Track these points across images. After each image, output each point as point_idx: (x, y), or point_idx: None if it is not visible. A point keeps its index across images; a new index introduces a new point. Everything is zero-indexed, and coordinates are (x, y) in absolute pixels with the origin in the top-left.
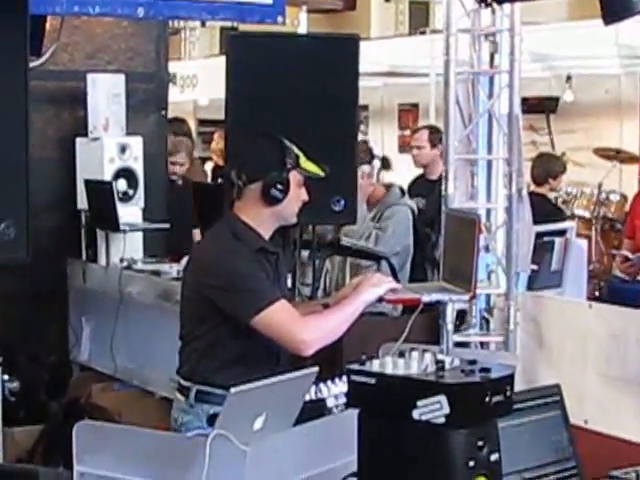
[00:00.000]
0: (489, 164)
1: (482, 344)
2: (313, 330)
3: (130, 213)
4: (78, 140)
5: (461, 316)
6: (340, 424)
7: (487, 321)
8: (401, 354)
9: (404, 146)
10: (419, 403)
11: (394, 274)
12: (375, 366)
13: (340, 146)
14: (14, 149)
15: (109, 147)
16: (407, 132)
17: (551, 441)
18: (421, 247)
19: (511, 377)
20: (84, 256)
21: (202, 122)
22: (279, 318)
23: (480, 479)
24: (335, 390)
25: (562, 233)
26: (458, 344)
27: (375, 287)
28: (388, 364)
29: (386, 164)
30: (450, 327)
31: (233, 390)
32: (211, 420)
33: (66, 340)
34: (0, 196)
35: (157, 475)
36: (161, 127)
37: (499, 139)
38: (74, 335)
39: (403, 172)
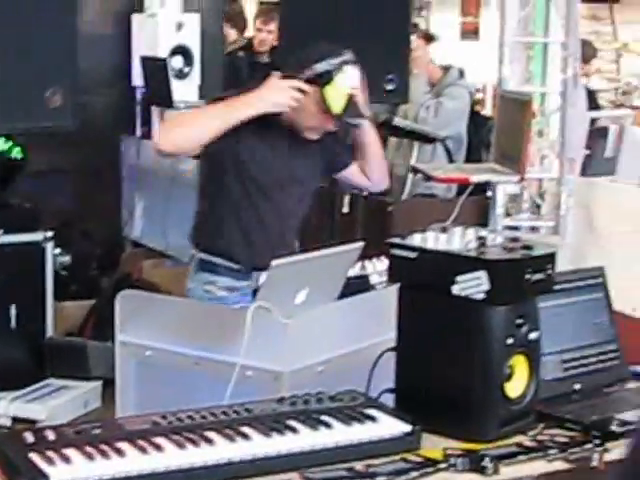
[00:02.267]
0: (545, 47)
1: (533, 229)
2: (167, 129)
3: (186, 90)
4: (134, 16)
5: (512, 201)
6: (382, 300)
7: (538, 206)
8: (444, 230)
9: (467, 33)
10: (459, 278)
11: (449, 156)
12: (416, 240)
13: (394, 24)
14: (63, 14)
15: (165, 24)
16: (469, 19)
17: (593, 323)
18: (477, 130)
19: (552, 256)
20: (139, 133)
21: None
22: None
23: (518, 357)
24: (380, 267)
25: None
26: (509, 228)
27: (278, 92)
28: (430, 239)
29: (428, 37)
30: (500, 210)
31: (275, 262)
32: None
33: (119, 216)
34: (48, 63)
35: (197, 345)
36: (217, 4)
37: (556, 22)
38: (127, 211)
39: (465, 59)
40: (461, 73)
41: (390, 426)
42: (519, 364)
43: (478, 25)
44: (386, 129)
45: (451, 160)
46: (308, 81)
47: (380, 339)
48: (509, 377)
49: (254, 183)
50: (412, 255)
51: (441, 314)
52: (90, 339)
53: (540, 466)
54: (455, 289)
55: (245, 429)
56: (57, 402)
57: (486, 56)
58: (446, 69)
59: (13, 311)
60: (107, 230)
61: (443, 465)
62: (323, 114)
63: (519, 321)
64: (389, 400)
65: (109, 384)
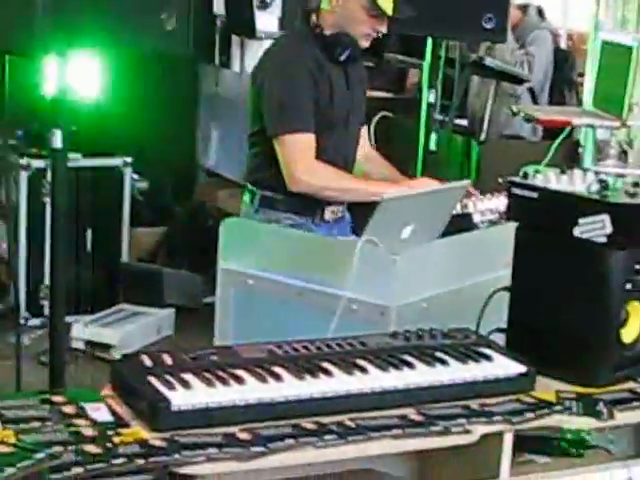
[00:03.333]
0: None
1: (618, 175)
2: (316, 177)
3: (267, 20)
4: None
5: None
6: (488, 239)
7: (626, 153)
8: (563, 172)
9: None
10: (581, 220)
11: (534, 98)
12: (538, 180)
13: None
14: None
15: None
16: None
17: None
18: (559, 68)
19: None
20: (217, 62)
21: None
22: (291, 149)
23: (634, 303)
24: (481, 206)
25: None
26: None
27: None
28: (551, 179)
29: None
30: (591, 155)
31: (386, 196)
32: None
33: (195, 145)
34: None
35: (301, 276)
36: None
37: None
38: (203, 140)
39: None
40: (540, 12)
41: (505, 366)
42: (634, 310)
43: None
44: (476, 69)
45: (535, 102)
46: None
47: (485, 278)
48: (624, 322)
49: (319, 120)
50: (534, 195)
51: (560, 256)
52: (162, 266)
53: None
54: (576, 231)
55: (361, 362)
56: (130, 327)
57: (561, 2)
58: (524, 9)
59: (89, 235)
60: (182, 158)
61: (558, 407)
62: (371, 17)
63: (638, 267)
64: (497, 339)
65: (181, 311)
